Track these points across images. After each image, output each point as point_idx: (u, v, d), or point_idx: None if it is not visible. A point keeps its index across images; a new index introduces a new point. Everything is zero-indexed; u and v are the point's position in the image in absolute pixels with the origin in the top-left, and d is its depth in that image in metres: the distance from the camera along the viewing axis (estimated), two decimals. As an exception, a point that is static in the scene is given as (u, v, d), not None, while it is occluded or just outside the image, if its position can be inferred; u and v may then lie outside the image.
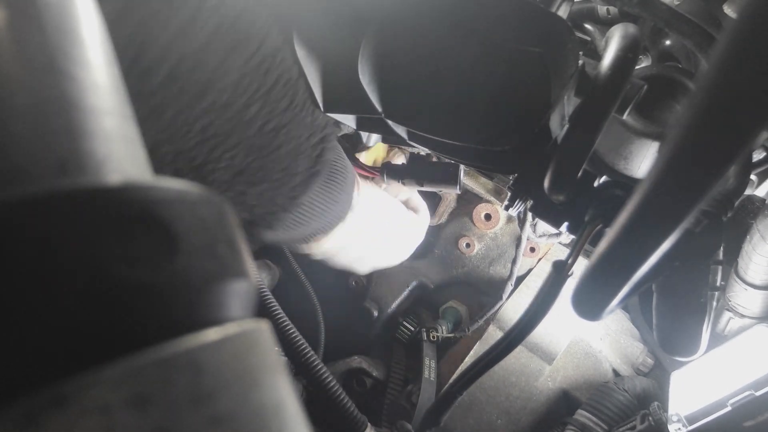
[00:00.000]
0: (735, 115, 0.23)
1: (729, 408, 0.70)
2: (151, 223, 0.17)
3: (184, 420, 0.15)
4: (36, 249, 0.15)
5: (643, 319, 1.05)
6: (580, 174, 0.45)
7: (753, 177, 0.78)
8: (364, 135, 0.82)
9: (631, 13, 0.61)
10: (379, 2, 0.47)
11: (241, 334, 0.18)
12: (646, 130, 0.61)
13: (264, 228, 0.54)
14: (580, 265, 0.43)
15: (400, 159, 0.92)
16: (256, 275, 0.88)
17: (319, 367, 0.73)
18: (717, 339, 0.86)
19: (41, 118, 0.18)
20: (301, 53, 0.51)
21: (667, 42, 0.79)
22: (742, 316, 0.82)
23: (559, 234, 1.02)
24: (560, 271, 0.51)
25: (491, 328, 1.01)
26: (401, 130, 0.50)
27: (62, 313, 0.15)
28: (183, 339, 0.16)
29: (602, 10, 0.79)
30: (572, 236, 0.55)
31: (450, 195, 1.05)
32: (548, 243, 1.04)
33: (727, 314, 0.84)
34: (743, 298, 0.79)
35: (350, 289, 1.12)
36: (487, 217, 1.03)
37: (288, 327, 0.73)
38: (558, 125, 0.46)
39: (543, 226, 1.01)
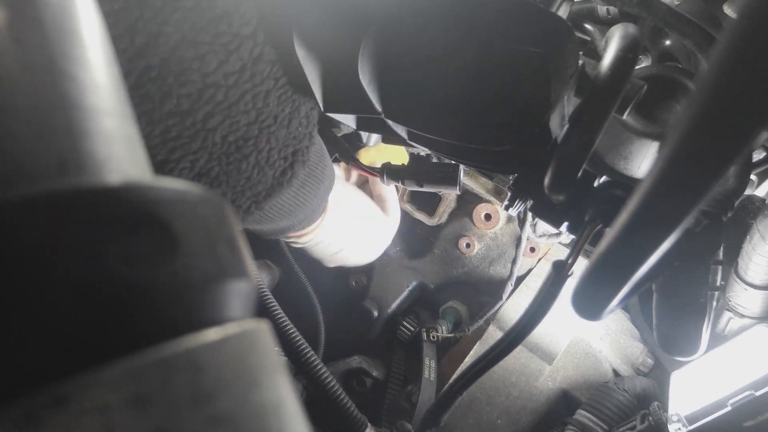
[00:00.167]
0: (735, 115, 0.23)
1: (729, 408, 0.70)
2: (151, 223, 0.17)
3: (184, 420, 0.15)
4: (36, 249, 0.15)
5: (643, 319, 1.05)
6: (580, 174, 0.45)
7: (753, 177, 0.78)
8: (364, 135, 0.83)
9: (631, 13, 0.61)
10: (379, 2, 0.47)
11: (241, 334, 0.18)
12: (646, 130, 0.61)
13: None
14: (580, 265, 0.43)
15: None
16: (256, 275, 0.89)
17: (319, 367, 0.73)
18: (717, 339, 0.86)
19: (41, 118, 0.18)
20: (301, 53, 0.51)
21: (667, 42, 0.79)
22: (742, 316, 0.82)
23: (559, 234, 1.02)
24: (560, 271, 0.51)
25: (491, 328, 1.01)
26: (401, 130, 0.50)
27: (62, 313, 0.15)
28: (183, 339, 0.16)
29: (602, 10, 0.79)
30: (572, 236, 0.55)
31: (450, 195, 1.05)
32: (548, 243, 1.04)
33: (727, 314, 0.84)
34: (743, 298, 0.79)
35: (350, 289, 1.12)
36: (487, 217, 1.03)
37: (288, 327, 0.73)
38: (558, 125, 0.46)
39: (543, 226, 1.01)
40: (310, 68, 0.51)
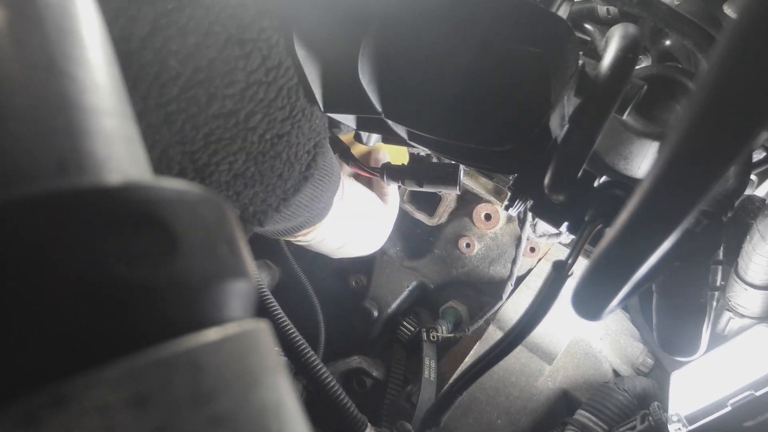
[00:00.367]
0: (735, 115, 0.23)
1: (729, 408, 0.70)
2: (151, 223, 0.17)
3: (184, 420, 0.15)
4: (36, 249, 0.15)
5: (643, 319, 1.05)
6: (580, 174, 0.45)
7: (753, 177, 0.78)
8: (364, 135, 0.83)
9: (631, 13, 0.61)
10: (379, 2, 0.47)
11: (241, 334, 0.18)
12: (646, 130, 0.61)
13: (254, 225, 0.57)
14: (580, 265, 0.43)
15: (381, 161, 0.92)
16: (256, 275, 0.89)
17: (319, 367, 0.73)
18: (717, 339, 0.86)
19: (41, 118, 0.18)
20: (301, 53, 0.51)
21: (667, 42, 0.79)
22: (742, 316, 0.82)
23: (559, 234, 1.02)
24: (560, 271, 0.51)
25: (491, 328, 1.01)
26: (401, 130, 0.50)
27: (62, 313, 0.15)
28: (183, 339, 0.16)
29: (602, 10, 0.79)
30: (572, 236, 0.55)
31: (450, 195, 1.05)
32: (548, 243, 1.04)
33: (727, 314, 0.84)
34: (743, 298, 0.79)
35: (350, 289, 1.12)
36: (487, 217, 1.03)
37: (288, 327, 0.73)
38: (558, 125, 0.46)
39: (543, 226, 1.01)
40: (310, 68, 0.51)
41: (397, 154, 0.92)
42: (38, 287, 0.15)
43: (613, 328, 1.03)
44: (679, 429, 0.75)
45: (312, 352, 0.73)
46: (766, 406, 0.67)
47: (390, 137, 0.59)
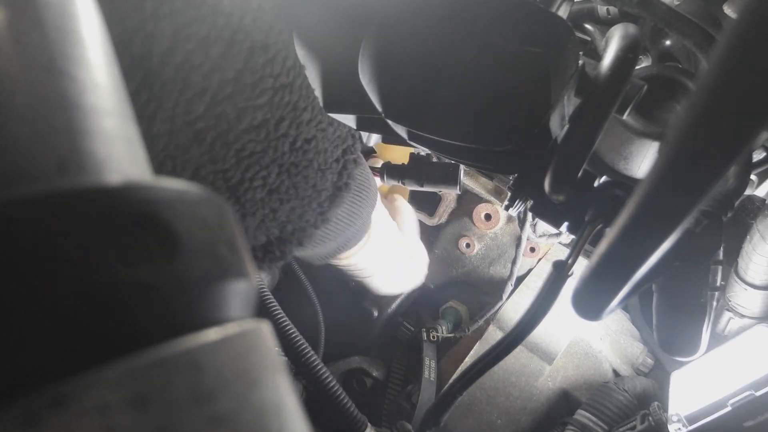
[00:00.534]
0: (735, 115, 0.23)
1: (729, 408, 0.70)
2: (151, 223, 0.17)
3: (184, 420, 0.15)
4: (35, 249, 0.15)
5: (643, 319, 1.05)
6: (580, 174, 0.45)
7: (753, 177, 0.78)
8: (364, 135, 0.83)
9: (631, 13, 0.61)
10: (379, 2, 0.47)
11: (241, 334, 0.18)
12: (646, 130, 0.61)
13: (294, 245, 0.54)
14: (580, 265, 0.43)
15: (378, 163, 0.92)
16: (256, 275, 0.89)
17: (319, 367, 0.73)
18: (717, 339, 0.86)
19: (41, 118, 0.18)
20: (301, 53, 0.51)
21: (667, 42, 0.79)
22: (742, 316, 0.82)
23: (559, 234, 1.02)
24: (560, 271, 0.51)
25: (491, 328, 1.01)
26: (401, 130, 0.50)
27: (62, 313, 0.15)
28: (183, 339, 0.16)
29: (602, 10, 0.79)
30: (572, 236, 0.55)
31: (450, 195, 1.05)
32: (548, 243, 1.04)
33: (727, 314, 0.84)
34: (743, 298, 0.79)
35: (350, 289, 1.12)
36: (487, 217, 1.03)
37: (288, 327, 0.73)
38: (558, 125, 0.46)
39: (543, 226, 1.01)
40: (310, 68, 0.51)
41: (399, 155, 0.92)
42: (38, 287, 0.15)
43: (613, 328, 1.03)
44: (679, 429, 0.75)
45: (312, 352, 0.73)
46: (766, 406, 0.67)
47: (390, 137, 0.59)
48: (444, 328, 1.03)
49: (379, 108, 0.48)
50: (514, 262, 1.03)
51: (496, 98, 0.44)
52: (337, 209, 0.56)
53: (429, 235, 1.10)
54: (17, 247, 0.15)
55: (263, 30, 0.43)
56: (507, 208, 0.57)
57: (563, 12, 0.62)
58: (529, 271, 1.08)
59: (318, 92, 0.53)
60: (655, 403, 0.83)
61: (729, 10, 0.58)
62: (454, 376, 0.69)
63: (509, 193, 0.55)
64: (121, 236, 0.16)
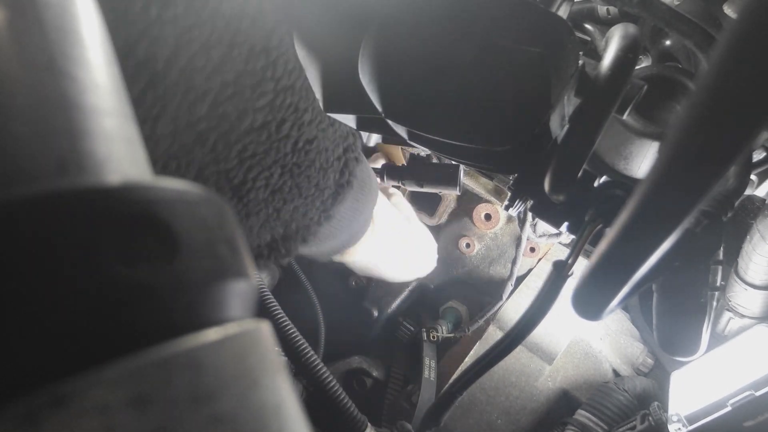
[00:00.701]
0: (735, 115, 0.23)
1: (729, 408, 0.70)
2: (151, 223, 0.17)
3: (184, 420, 0.15)
4: (36, 249, 0.15)
5: (643, 319, 1.05)
6: (580, 174, 0.45)
7: (753, 177, 0.78)
8: (364, 135, 0.83)
9: (631, 13, 0.61)
10: (379, 2, 0.47)
11: (241, 334, 0.18)
12: (646, 130, 0.61)
13: (298, 242, 0.55)
14: (580, 265, 0.43)
15: (379, 162, 0.92)
16: (256, 275, 0.89)
17: (319, 367, 0.73)
18: (717, 339, 0.86)
19: (41, 118, 0.18)
20: (301, 53, 0.51)
21: (667, 42, 0.79)
22: (742, 316, 0.82)
23: (559, 234, 1.02)
24: (560, 271, 0.51)
25: (491, 328, 1.01)
26: (401, 130, 0.50)
27: (62, 313, 0.15)
28: (183, 339, 0.16)
29: (602, 10, 0.79)
30: (572, 236, 0.55)
31: (450, 195, 1.05)
32: (548, 243, 1.04)
33: (727, 314, 0.84)
34: (743, 298, 0.79)
35: (350, 289, 1.12)
36: (487, 217, 1.03)
37: (288, 327, 0.73)
38: (558, 125, 0.46)
39: (543, 226, 1.01)
40: (310, 68, 0.51)
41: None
42: (38, 287, 0.15)
43: (613, 328, 1.03)
44: (679, 429, 0.75)
45: (312, 352, 0.73)
46: (766, 406, 0.67)
47: (390, 137, 0.59)
48: (444, 328, 1.03)
49: (379, 108, 0.48)
50: (514, 262, 1.03)
51: (496, 98, 0.44)
52: (340, 206, 0.57)
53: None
54: (17, 247, 0.15)
55: (263, 34, 0.44)
56: (507, 208, 0.57)
57: (563, 12, 0.62)
58: (529, 271, 1.08)
59: (318, 92, 0.53)
60: (655, 403, 0.83)
61: (729, 10, 0.58)
62: (454, 376, 0.69)
63: (509, 193, 0.55)
64: (121, 236, 0.16)
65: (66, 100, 0.18)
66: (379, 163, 0.90)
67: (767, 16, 0.21)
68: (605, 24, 0.80)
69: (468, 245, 1.06)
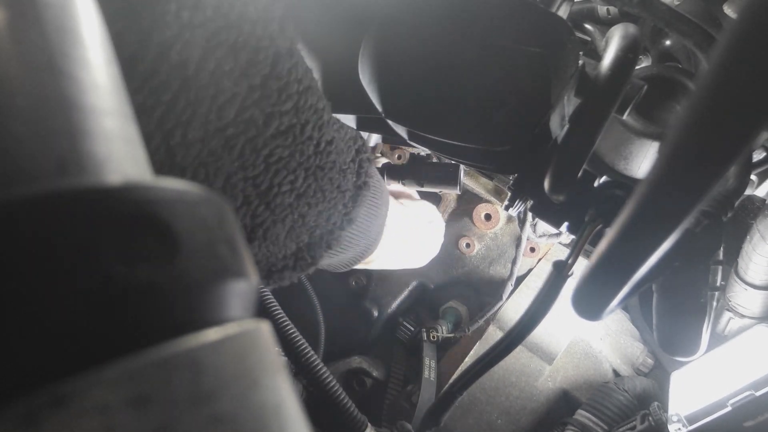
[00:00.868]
0: (735, 115, 0.23)
1: (729, 408, 0.70)
2: (151, 223, 0.17)
3: (184, 420, 0.15)
4: (35, 249, 0.15)
5: (643, 319, 1.05)
6: (580, 174, 0.45)
7: (753, 177, 0.78)
8: (364, 135, 0.83)
9: (631, 13, 0.61)
10: (379, 2, 0.47)
11: (242, 334, 0.18)
12: (646, 131, 0.61)
13: (323, 249, 0.55)
14: (580, 265, 0.43)
15: (379, 162, 0.92)
16: (256, 275, 0.88)
17: (319, 367, 0.73)
18: (717, 339, 0.86)
19: (41, 118, 0.18)
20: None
21: (667, 42, 0.79)
22: (742, 316, 0.82)
23: (559, 234, 1.02)
24: (560, 271, 0.51)
25: (491, 328, 1.01)
26: (401, 130, 0.50)
27: (62, 313, 0.15)
28: (183, 339, 0.16)
29: (602, 10, 0.79)
30: (572, 236, 0.55)
31: (450, 195, 1.05)
32: (548, 243, 1.04)
33: (727, 314, 0.84)
34: (743, 298, 0.79)
35: (350, 289, 1.12)
36: (487, 217, 1.03)
37: (288, 327, 0.73)
38: (558, 125, 0.46)
39: (543, 226, 1.01)
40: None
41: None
42: (38, 287, 0.15)
43: (613, 328, 1.03)
44: (679, 429, 0.75)
45: (312, 352, 0.73)
46: (766, 406, 0.67)
47: (390, 137, 0.59)
48: (444, 328, 1.03)
49: (379, 108, 0.48)
50: (514, 262, 1.03)
51: (496, 98, 0.44)
52: (360, 209, 0.57)
53: (429, 235, 1.10)
54: (17, 247, 0.15)
55: (289, 36, 0.44)
56: (507, 208, 0.57)
57: (563, 12, 0.62)
58: (529, 271, 1.08)
59: (318, 92, 0.53)
60: (655, 403, 0.83)
61: (729, 10, 0.58)
62: (454, 376, 0.69)
63: (509, 193, 0.55)
64: (121, 236, 0.16)
65: (66, 100, 0.18)
66: (380, 163, 0.90)
67: (767, 16, 0.21)
68: (605, 24, 0.80)
69: (468, 245, 1.06)
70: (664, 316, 0.52)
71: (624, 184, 0.50)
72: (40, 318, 0.15)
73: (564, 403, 0.98)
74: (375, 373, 1.02)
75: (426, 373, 0.96)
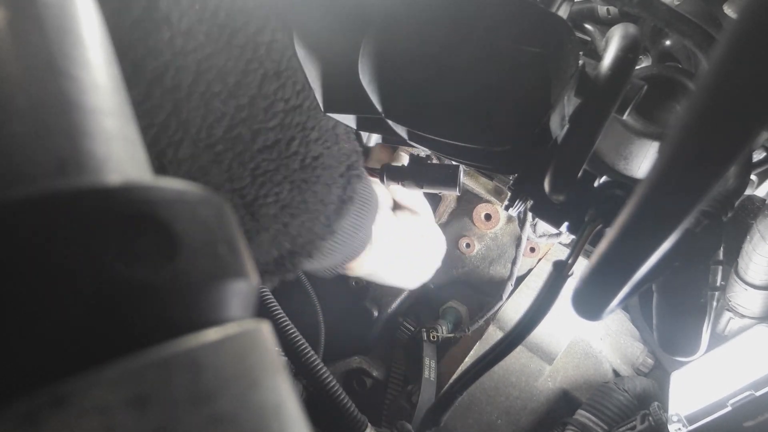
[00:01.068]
0: (735, 115, 0.23)
1: (729, 408, 0.70)
2: (151, 223, 0.17)
3: (184, 420, 0.15)
4: (36, 249, 0.15)
5: (643, 319, 1.05)
6: (580, 174, 0.45)
7: (753, 177, 0.78)
8: (364, 135, 0.82)
9: (631, 13, 0.61)
10: (379, 2, 0.47)
11: (241, 334, 0.18)
12: (646, 131, 0.61)
13: (304, 257, 0.57)
14: (580, 265, 0.43)
15: (403, 159, 0.92)
16: (256, 275, 0.88)
17: (319, 367, 0.73)
18: (717, 339, 0.86)
19: (41, 118, 0.18)
20: (301, 53, 0.51)
21: (667, 42, 0.79)
22: (742, 316, 0.82)
23: (559, 234, 1.02)
24: (560, 271, 0.51)
25: (491, 328, 1.01)
26: (401, 130, 0.50)
27: (62, 313, 0.15)
28: (183, 339, 0.16)
29: (602, 10, 0.79)
30: (572, 236, 0.55)
31: (450, 195, 1.05)
32: (548, 243, 1.04)
33: (727, 314, 0.84)
34: (743, 298, 0.79)
35: (350, 289, 1.12)
36: (487, 217, 1.03)
37: (288, 327, 0.73)
38: (558, 125, 0.46)
39: (543, 226, 1.01)
40: (310, 68, 0.51)
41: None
42: (38, 287, 0.15)
43: (613, 328, 1.03)
44: (679, 429, 0.75)
45: (312, 352, 0.73)
46: (766, 406, 0.67)
47: (390, 137, 0.59)
48: (444, 328, 1.03)
49: (379, 108, 0.48)
50: (514, 262, 1.03)
51: (496, 98, 0.44)
52: (343, 221, 0.59)
53: (429, 235, 1.10)
54: (17, 247, 0.15)
55: (275, 59, 0.46)
56: (507, 208, 0.57)
57: (563, 12, 0.62)
58: (529, 271, 1.08)
59: (318, 93, 0.53)
60: (655, 403, 0.83)
61: (729, 10, 0.58)
62: (454, 376, 0.69)
63: (509, 193, 0.55)
64: (121, 236, 0.16)
65: (66, 100, 0.18)
66: (403, 159, 0.90)
67: (767, 16, 0.21)
68: (605, 24, 0.80)
69: (468, 245, 1.06)
70: (664, 316, 0.52)
71: (624, 184, 0.50)
72: (40, 318, 0.15)
73: (564, 403, 0.98)
74: (375, 373, 1.02)
75: (426, 373, 0.96)
